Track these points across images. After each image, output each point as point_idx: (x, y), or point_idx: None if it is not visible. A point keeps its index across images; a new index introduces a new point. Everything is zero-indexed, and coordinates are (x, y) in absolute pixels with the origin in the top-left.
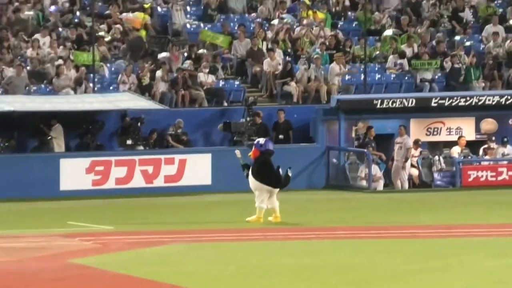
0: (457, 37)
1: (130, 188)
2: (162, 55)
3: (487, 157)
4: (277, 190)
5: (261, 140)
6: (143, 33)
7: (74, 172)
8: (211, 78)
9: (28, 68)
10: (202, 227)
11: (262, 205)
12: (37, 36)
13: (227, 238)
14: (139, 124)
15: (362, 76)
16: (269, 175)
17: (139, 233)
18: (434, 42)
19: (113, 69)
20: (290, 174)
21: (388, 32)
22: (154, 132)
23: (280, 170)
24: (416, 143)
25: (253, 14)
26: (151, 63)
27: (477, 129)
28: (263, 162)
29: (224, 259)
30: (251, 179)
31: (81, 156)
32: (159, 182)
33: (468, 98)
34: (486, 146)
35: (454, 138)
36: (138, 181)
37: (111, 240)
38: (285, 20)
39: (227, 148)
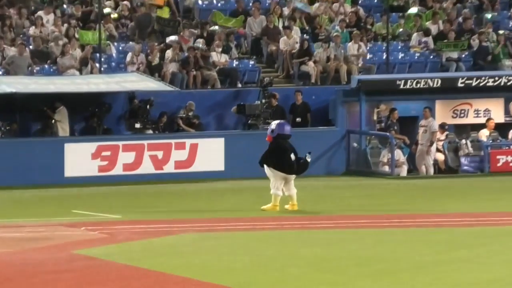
0: (485, 14)
1: (139, 174)
2: (171, 38)
3: None
4: (293, 176)
5: (273, 125)
6: (166, 10)
7: (79, 158)
8: (224, 58)
9: (30, 47)
10: (215, 215)
11: (278, 192)
12: (40, 13)
13: (241, 227)
14: (148, 106)
15: (385, 55)
16: (281, 161)
17: (148, 222)
18: (460, 19)
19: (120, 48)
20: (308, 160)
21: (413, 10)
22: (164, 115)
23: (292, 156)
24: (442, 126)
25: None
26: (161, 41)
27: (507, 111)
28: (275, 148)
29: (238, 249)
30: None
31: (86, 140)
32: (169, 168)
33: (496, 78)
34: None
35: (482, 120)
36: (147, 167)
37: (118, 229)
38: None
39: (241, 132)
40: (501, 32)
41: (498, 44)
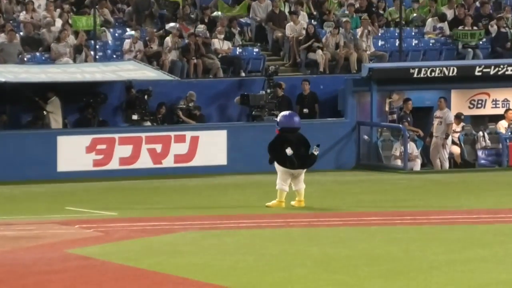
0: None
1: (136, 169)
2: (170, 25)
3: None
4: (301, 171)
5: (279, 116)
6: None
7: (73, 151)
8: (227, 45)
9: (21, 33)
10: (217, 212)
11: (283, 187)
12: None
13: (245, 225)
14: (146, 97)
15: (398, 42)
16: (280, 155)
17: (146, 219)
18: (478, 3)
19: (116, 35)
20: (316, 153)
21: None
22: (162, 106)
23: (288, 150)
24: (458, 117)
25: None
26: (160, 28)
27: None
28: (274, 141)
29: (242, 248)
30: None
31: (80, 133)
32: (168, 162)
33: None
34: None
35: (500, 111)
36: (144, 161)
37: (115, 227)
38: None
39: (244, 124)
40: None
41: None
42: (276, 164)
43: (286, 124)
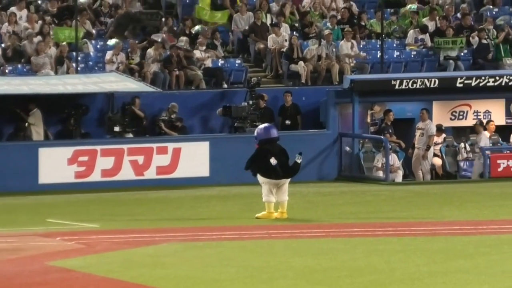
0: (485, 9)
1: (118, 180)
2: (156, 35)
3: None
4: (285, 181)
5: (256, 131)
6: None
7: (55, 163)
8: (209, 57)
9: (2, 45)
10: (199, 224)
11: (270, 198)
12: (13, 9)
13: (227, 237)
14: (127, 108)
15: (379, 54)
16: (264, 166)
17: (127, 231)
18: (459, 15)
19: (98, 46)
20: (299, 161)
21: (413, 6)
22: (145, 118)
23: (272, 160)
24: (440, 128)
25: None
26: (142, 39)
27: (508, 113)
28: (257, 153)
29: (224, 260)
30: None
31: (62, 145)
32: (150, 173)
33: (497, 78)
34: None
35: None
36: (127, 173)
37: (97, 239)
38: None
39: (227, 135)
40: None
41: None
42: (259, 177)
43: (264, 136)
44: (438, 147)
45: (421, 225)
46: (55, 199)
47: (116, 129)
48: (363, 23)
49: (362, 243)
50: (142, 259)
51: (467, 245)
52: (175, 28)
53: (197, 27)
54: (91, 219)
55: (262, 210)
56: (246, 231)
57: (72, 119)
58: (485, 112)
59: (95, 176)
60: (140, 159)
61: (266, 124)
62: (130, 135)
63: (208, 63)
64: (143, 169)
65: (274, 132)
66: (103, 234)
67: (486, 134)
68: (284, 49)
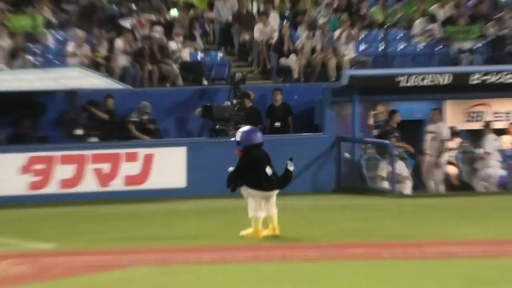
0: None
1: (80, 193)
2: (125, 22)
3: None
4: (274, 192)
5: (238, 136)
6: None
7: (6, 172)
8: (187, 49)
9: None
10: (174, 244)
11: (258, 213)
12: None
13: (208, 259)
14: (93, 109)
15: (383, 46)
16: (256, 176)
17: (89, 253)
18: (473, 2)
19: (59, 37)
20: (291, 168)
21: None
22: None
23: (268, 169)
24: (454, 132)
25: None
26: (110, 29)
27: None
28: (246, 161)
29: (203, 286)
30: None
31: (15, 150)
32: (117, 184)
33: None
34: None
35: (502, 125)
36: (89, 184)
37: (52, 263)
38: None
39: (207, 139)
40: None
41: None
42: (246, 189)
43: (250, 141)
44: (452, 153)
45: (434, 245)
46: (4, 215)
47: (78, 132)
48: (363, 12)
49: (365, 266)
50: (106, 286)
51: (489, 269)
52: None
53: (172, 12)
54: (47, 238)
55: (248, 227)
56: (230, 252)
57: (27, 120)
58: (506, 113)
59: (53, 187)
60: (106, 167)
61: (248, 127)
62: (95, 140)
63: (186, 56)
64: (109, 179)
65: (260, 136)
66: (60, 256)
67: (491, 137)
68: (273, 41)
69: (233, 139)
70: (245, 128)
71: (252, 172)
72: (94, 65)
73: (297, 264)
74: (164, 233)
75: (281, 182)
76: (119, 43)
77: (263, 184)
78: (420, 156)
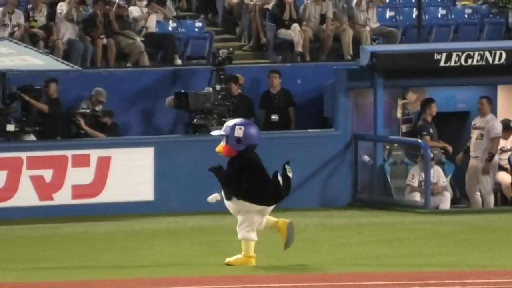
0: None
1: (13, 207)
2: None
3: None
4: (271, 208)
5: (240, 131)
6: None
7: None
8: (153, 17)
9: None
10: (137, 274)
11: (250, 235)
12: None
13: None
14: (27, 97)
15: (415, 13)
16: (257, 186)
17: (26, 286)
18: None
19: None
20: (290, 174)
21: None
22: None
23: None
24: (507, 126)
25: None
26: None
27: None
28: (244, 166)
29: None
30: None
31: None
32: (63, 197)
33: None
34: None
35: None
36: (26, 196)
37: None
38: None
39: (181, 138)
40: None
41: None
42: (236, 203)
43: (252, 139)
44: (506, 155)
45: (480, 275)
46: None
47: (9, 128)
48: None
49: None
50: None
51: None
52: None
53: None
54: None
55: (234, 253)
56: (211, 285)
57: None
58: None
59: None
60: (47, 174)
61: (245, 120)
62: (31, 138)
63: (152, 26)
64: (52, 190)
65: (256, 134)
66: None
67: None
68: (270, 6)
69: (222, 133)
70: (247, 121)
71: (251, 181)
72: (30, 38)
73: None
74: (124, 260)
75: (283, 194)
76: (62, 7)
77: (264, 196)
78: (461, 153)
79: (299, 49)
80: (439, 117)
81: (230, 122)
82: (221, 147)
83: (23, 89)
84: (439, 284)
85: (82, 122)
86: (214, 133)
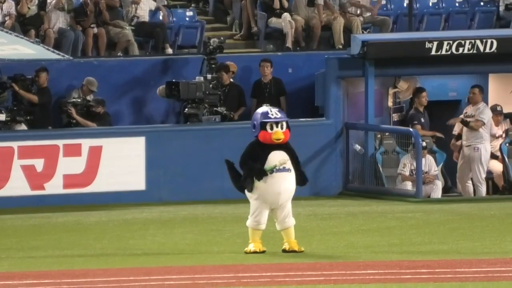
0: None
1: (5, 197)
2: None
3: None
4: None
5: (282, 112)
6: None
7: None
8: (144, 6)
9: None
10: (129, 264)
11: (260, 225)
12: None
13: (173, 284)
14: (17, 87)
15: (406, 2)
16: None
17: (18, 275)
18: None
19: None
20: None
21: None
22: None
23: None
24: (499, 114)
25: None
26: None
27: None
28: (257, 147)
29: None
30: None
31: None
32: (54, 186)
33: None
34: None
35: None
36: (18, 185)
37: None
38: None
39: (172, 127)
40: None
41: None
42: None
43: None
44: (497, 143)
45: (472, 264)
46: None
47: (1, 117)
48: None
49: None
50: None
51: None
52: None
53: None
54: None
55: (226, 242)
56: (203, 274)
57: None
58: None
59: None
60: (39, 163)
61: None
62: (23, 127)
63: (143, 15)
64: (44, 180)
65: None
66: None
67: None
68: None
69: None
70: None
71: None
72: (21, 27)
73: None
74: (116, 249)
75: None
76: None
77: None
78: (453, 140)
79: (289, 42)
80: (430, 106)
81: (276, 109)
82: (282, 133)
83: (14, 79)
84: (430, 272)
85: (73, 111)
86: (283, 119)
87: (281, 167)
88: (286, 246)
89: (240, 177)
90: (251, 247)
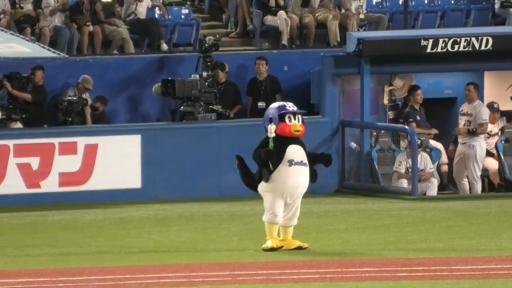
0: None
1: (1, 195)
2: None
3: None
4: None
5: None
6: None
7: None
8: (144, 4)
9: None
10: (125, 261)
11: (275, 218)
12: None
13: (170, 282)
14: (10, 88)
15: None
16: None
17: (14, 274)
18: None
19: None
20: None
21: None
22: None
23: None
24: (495, 111)
25: None
26: None
27: None
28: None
29: None
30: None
31: None
32: (50, 184)
33: None
34: None
35: None
36: (13, 183)
37: None
38: None
39: (168, 125)
40: None
41: None
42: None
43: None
44: (493, 141)
45: (468, 262)
46: None
47: None
48: None
49: None
50: None
51: None
52: None
53: None
54: None
55: (222, 240)
56: (199, 272)
57: None
58: None
59: None
60: (34, 162)
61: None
62: (19, 125)
63: (139, 12)
64: (39, 178)
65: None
66: None
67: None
68: None
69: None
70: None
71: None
72: (16, 25)
73: (288, 286)
74: (111, 247)
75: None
76: None
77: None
78: (451, 145)
79: (285, 36)
80: (426, 104)
81: (290, 103)
82: (300, 125)
83: (9, 77)
84: (426, 270)
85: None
86: (300, 111)
87: (300, 160)
88: (276, 243)
89: (250, 173)
90: (269, 243)
